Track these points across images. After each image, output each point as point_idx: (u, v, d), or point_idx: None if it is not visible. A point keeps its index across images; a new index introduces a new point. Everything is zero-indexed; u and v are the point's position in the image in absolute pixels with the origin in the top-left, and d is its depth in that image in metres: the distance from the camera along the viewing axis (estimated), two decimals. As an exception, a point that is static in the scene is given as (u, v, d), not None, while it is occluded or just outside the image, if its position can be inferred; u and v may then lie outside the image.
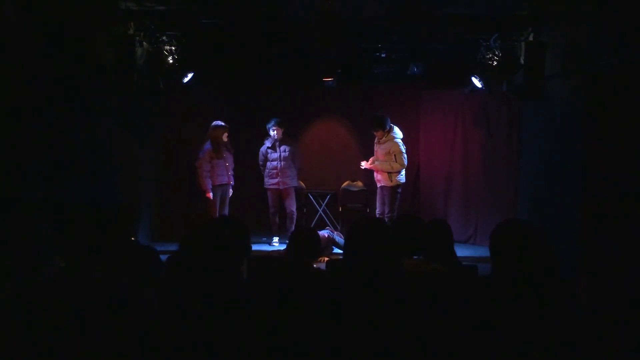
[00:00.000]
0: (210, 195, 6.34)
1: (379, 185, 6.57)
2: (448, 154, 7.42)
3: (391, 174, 6.44)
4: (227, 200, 6.57)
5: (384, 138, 6.47)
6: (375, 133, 6.54)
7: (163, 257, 3.18)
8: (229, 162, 6.51)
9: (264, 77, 7.23)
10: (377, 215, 6.46)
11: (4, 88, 3.63)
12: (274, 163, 6.66)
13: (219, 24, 5.83)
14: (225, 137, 6.41)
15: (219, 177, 6.38)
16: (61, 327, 1.63)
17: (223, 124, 6.42)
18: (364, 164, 6.59)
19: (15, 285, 3.49)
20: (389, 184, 6.46)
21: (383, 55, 6.58)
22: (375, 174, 6.59)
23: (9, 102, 3.68)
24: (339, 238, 6.23)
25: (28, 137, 3.90)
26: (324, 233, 6.12)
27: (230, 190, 6.65)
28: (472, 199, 7.25)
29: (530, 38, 5.45)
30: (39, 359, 1.63)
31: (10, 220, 3.70)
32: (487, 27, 5.79)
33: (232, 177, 6.60)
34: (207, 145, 6.34)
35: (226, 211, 6.51)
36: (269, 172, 6.69)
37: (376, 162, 6.48)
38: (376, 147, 6.59)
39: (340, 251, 5.99)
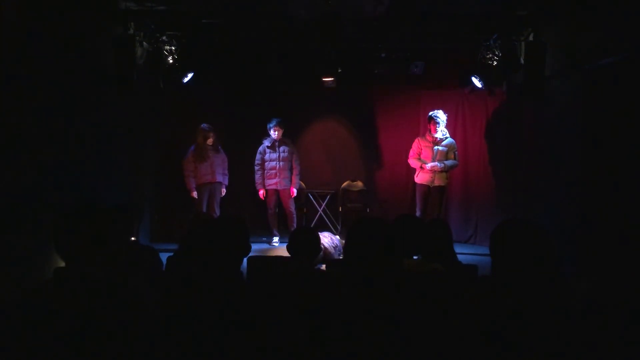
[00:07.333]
0: (195, 194, 6.43)
1: (431, 186, 6.43)
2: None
3: (446, 173, 6.46)
4: (217, 198, 6.57)
5: (444, 137, 6.43)
6: (435, 134, 6.39)
7: (163, 257, 3.20)
8: (217, 163, 6.52)
9: (263, 77, 7.23)
10: (419, 216, 6.26)
11: (3, 88, 3.63)
12: (273, 163, 6.66)
13: (219, 24, 5.83)
14: (209, 141, 6.47)
15: (203, 176, 6.44)
16: (61, 328, 1.63)
17: (207, 127, 6.47)
18: (435, 167, 6.35)
19: (15, 285, 3.49)
20: (444, 182, 6.47)
21: (383, 55, 6.58)
22: (422, 175, 6.45)
23: (9, 102, 3.68)
24: (335, 246, 6.02)
25: (28, 137, 3.90)
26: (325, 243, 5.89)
27: (223, 190, 6.65)
28: (472, 199, 7.26)
29: (530, 38, 5.45)
30: (37, 359, 1.63)
31: (11, 220, 3.70)
32: (487, 27, 5.79)
33: (222, 177, 6.61)
34: (192, 147, 6.47)
35: (217, 210, 6.52)
36: (267, 173, 6.69)
37: (446, 162, 6.37)
38: (430, 148, 6.42)
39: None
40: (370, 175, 7.85)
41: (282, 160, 6.66)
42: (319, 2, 4.95)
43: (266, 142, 6.71)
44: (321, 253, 5.65)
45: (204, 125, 6.49)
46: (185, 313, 1.96)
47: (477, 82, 6.32)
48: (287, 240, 2.99)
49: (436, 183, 6.42)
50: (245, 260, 2.53)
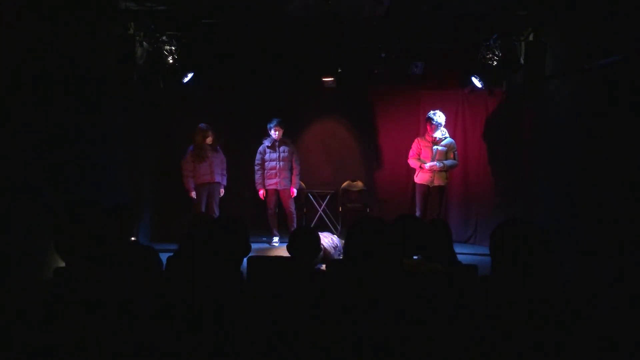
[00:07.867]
0: (194, 194, 6.41)
1: (431, 186, 6.42)
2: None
3: (446, 172, 6.45)
4: (216, 199, 6.55)
5: (443, 137, 6.41)
6: (433, 134, 6.38)
7: (163, 257, 3.21)
8: (216, 163, 6.51)
9: (263, 77, 7.23)
10: (419, 216, 6.25)
11: (3, 88, 3.63)
12: (273, 163, 6.66)
13: (219, 24, 5.83)
14: (208, 140, 6.46)
15: (202, 176, 6.42)
16: (60, 328, 1.63)
17: (205, 127, 6.47)
18: (433, 167, 6.35)
19: (15, 285, 3.49)
20: (444, 182, 6.46)
21: (383, 55, 6.58)
22: (422, 175, 6.45)
23: (9, 101, 3.68)
24: (335, 246, 6.00)
25: (28, 136, 3.90)
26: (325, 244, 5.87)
27: (221, 190, 6.64)
28: (472, 199, 7.26)
29: (530, 38, 5.44)
30: (37, 359, 1.63)
31: (10, 219, 3.70)
32: (487, 27, 5.79)
33: (221, 177, 6.60)
34: (191, 147, 6.45)
35: (216, 210, 6.51)
36: (267, 173, 6.69)
37: (445, 162, 6.35)
38: (429, 148, 6.41)
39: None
40: (370, 175, 7.85)
41: (282, 160, 6.66)
42: (319, 2, 4.94)
43: (266, 142, 6.72)
44: (321, 253, 5.62)
45: (203, 125, 6.48)
46: (185, 313, 1.96)
47: (477, 82, 6.32)
48: (287, 240, 2.99)
49: (436, 183, 6.42)
50: (245, 260, 2.53)
